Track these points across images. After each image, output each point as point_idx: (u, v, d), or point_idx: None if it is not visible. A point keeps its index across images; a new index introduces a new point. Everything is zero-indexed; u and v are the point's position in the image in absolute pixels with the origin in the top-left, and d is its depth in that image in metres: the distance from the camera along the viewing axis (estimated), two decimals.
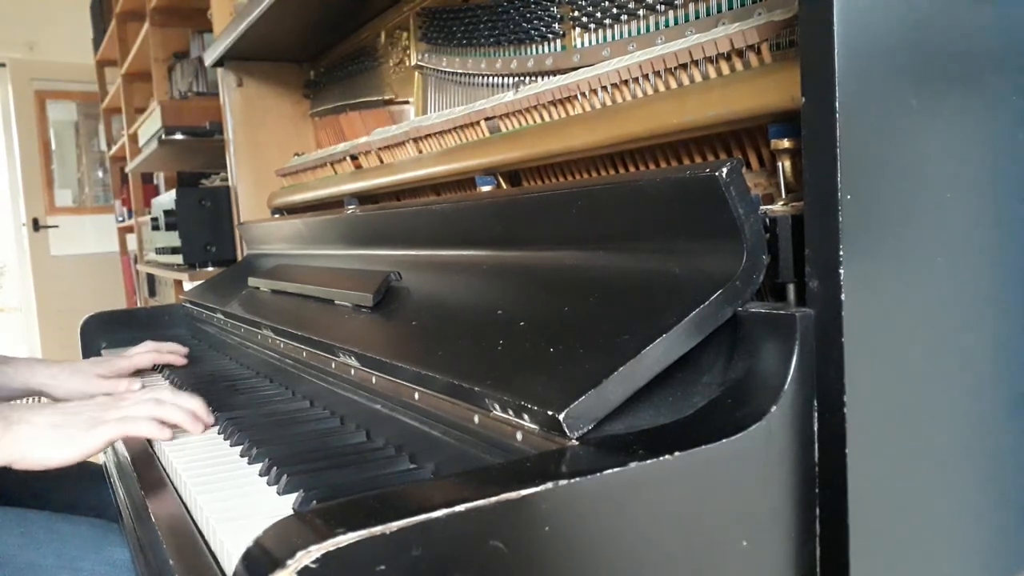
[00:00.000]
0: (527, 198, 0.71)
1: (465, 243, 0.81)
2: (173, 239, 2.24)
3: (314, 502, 0.59)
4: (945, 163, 0.49)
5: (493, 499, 0.37)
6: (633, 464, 0.40)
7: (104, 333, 1.56)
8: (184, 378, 1.12)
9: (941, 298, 0.49)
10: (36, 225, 4.92)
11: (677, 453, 0.41)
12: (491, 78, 1.08)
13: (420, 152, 1.08)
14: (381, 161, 1.19)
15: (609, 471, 0.40)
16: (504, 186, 0.92)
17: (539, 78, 0.93)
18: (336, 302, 0.93)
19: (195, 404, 0.86)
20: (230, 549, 0.54)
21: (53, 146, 5.07)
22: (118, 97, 3.81)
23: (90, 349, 1.53)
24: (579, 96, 0.77)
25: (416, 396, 0.64)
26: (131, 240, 4.36)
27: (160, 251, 2.58)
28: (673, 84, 0.67)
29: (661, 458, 0.41)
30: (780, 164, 0.56)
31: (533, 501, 0.38)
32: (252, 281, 1.28)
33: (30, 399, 1.18)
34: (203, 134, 2.48)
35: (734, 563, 0.44)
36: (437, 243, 0.87)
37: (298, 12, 1.37)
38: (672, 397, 0.50)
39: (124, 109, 3.72)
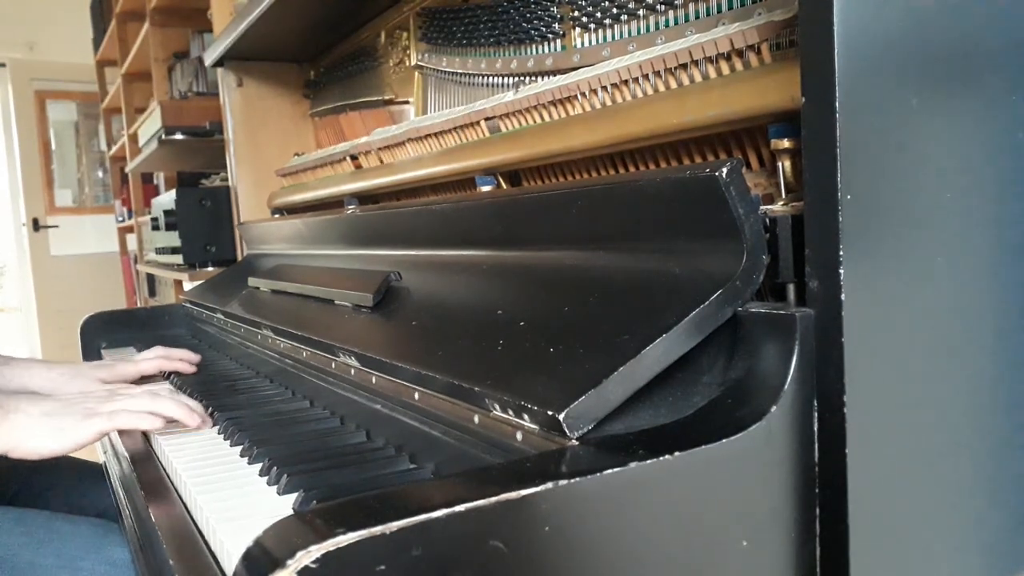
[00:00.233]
0: (527, 198, 0.71)
1: (465, 243, 0.81)
2: (173, 239, 2.24)
3: (314, 502, 0.59)
4: (945, 163, 0.49)
5: (493, 499, 0.37)
6: (633, 464, 0.40)
7: (104, 333, 1.56)
8: (185, 378, 1.12)
9: (941, 298, 0.49)
10: (36, 225, 4.92)
11: (677, 453, 0.41)
12: (491, 78, 1.08)
13: (420, 152, 1.08)
14: (381, 161, 1.19)
15: (609, 471, 0.40)
16: (504, 186, 0.92)
17: (539, 78, 0.93)
18: (336, 302, 0.93)
19: (193, 402, 0.86)
20: (230, 549, 0.54)
21: (53, 146, 5.07)
22: (118, 97, 3.81)
23: (90, 349, 1.53)
24: (579, 96, 0.77)
25: (416, 396, 0.64)
26: (131, 240, 4.36)
27: (160, 251, 2.58)
28: (673, 84, 0.67)
29: (661, 458, 0.41)
30: (780, 164, 0.56)
31: (533, 501, 0.38)
32: (252, 281, 1.28)
33: None
34: (203, 134, 2.48)
35: (734, 563, 0.44)
36: (437, 243, 0.87)
37: (298, 12, 1.37)
38: (672, 397, 0.50)
39: (124, 109, 3.72)
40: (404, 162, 1.11)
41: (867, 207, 0.45)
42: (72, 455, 1.12)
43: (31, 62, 4.84)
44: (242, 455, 0.75)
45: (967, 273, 0.50)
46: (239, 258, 1.76)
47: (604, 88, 0.74)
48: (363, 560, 0.34)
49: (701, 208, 0.51)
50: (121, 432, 0.91)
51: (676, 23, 0.76)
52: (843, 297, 0.44)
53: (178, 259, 2.19)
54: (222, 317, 1.27)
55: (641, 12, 0.79)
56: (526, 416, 0.49)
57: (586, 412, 0.45)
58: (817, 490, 0.47)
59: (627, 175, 0.71)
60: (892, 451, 0.47)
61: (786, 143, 0.55)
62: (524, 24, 0.98)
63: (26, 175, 4.91)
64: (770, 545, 0.45)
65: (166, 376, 1.20)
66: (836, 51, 0.43)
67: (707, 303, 0.48)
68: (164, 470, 0.78)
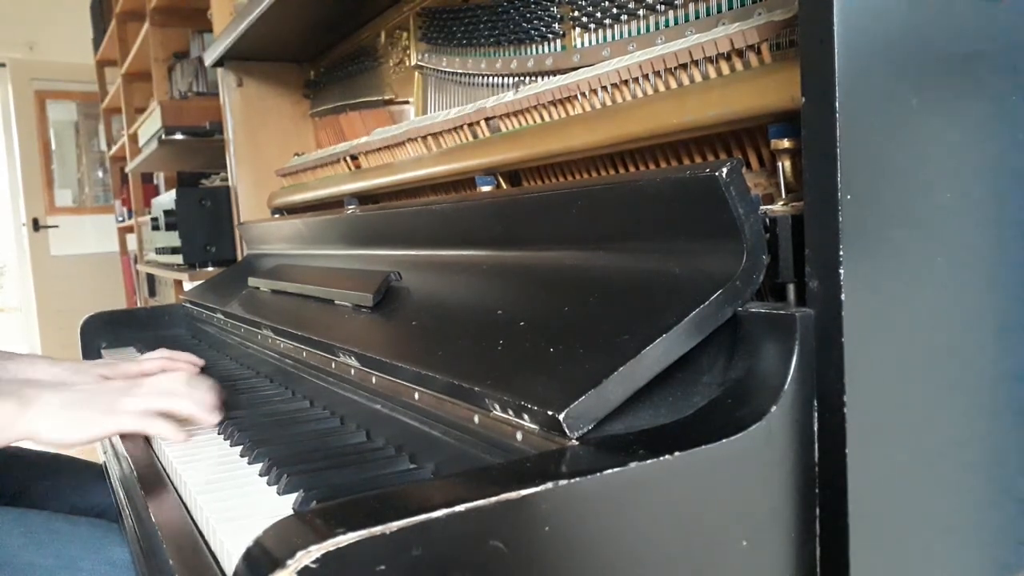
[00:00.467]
0: (527, 198, 0.71)
1: (465, 243, 0.81)
2: (173, 239, 2.24)
3: (314, 502, 0.59)
4: (945, 163, 0.49)
5: (493, 499, 0.37)
6: (633, 464, 0.40)
7: (104, 333, 1.56)
8: None
9: (941, 298, 0.49)
10: (36, 225, 4.92)
11: (677, 453, 0.41)
12: (491, 78, 1.08)
13: (420, 152, 1.08)
14: (381, 161, 1.19)
15: (609, 471, 0.40)
16: (504, 186, 0.92)
17: (539, 78, 0.93)
18: (336, 302, 0.93)
19: (210, 396, 0.86)
20: (230, 549, 0.54)
21: (53, 146, 5.07)
22: (118, 97, 3.81)
23: (90, 349, 1.53)
24: (579, 96, 0.77)
25: (416, 396, 0.64)
26: (131, 240, 4.36)
27: (160, 251, 2.58)
28: (673, 84, 0.67)
29: (661, 458, 0.41)
30: (780, 164, 0.56)
31: (533, 501, 0.38)
32: (252, 281, 1.28)
33: None
34: (203, 134, 2.48)
35: (734, 563, 0.44)
36: (437, 243, 0.87)
37: (298, 12, 1.37)
38: (672, 397, 0.50)
39: (124, 109, 3.72)
40: (404, 162, 1.11)
41: (867, 207, 0.45)
42: (72, 455, 1.13)
43: (31, 62, 4.84)
44: (242, 455, 0.75)
45: (967, 273, 0.50)
46: (239, 258, 1.76)
47: (604, 88, 0.74)
48: (363, 560, 0.34)
49: (701, 208, 0.51)
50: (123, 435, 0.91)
51: (676, 23, 0.76)
52: (843, 297, 0.44)
53: (178, 259, 2.19)
54: (222, 317, 1.27)
55: (641, 12, 0.79)
56: (526, 416, 0.49)
57: (586, 412, 0.45)
58: (817, 490, 0.47)
59: (627, 175, 0.71)
60: (892, 451, 0.47)
61: (786, 143, 0.55)
62: (524, 24, 0.98)
63: (26, 175, 4.91)
64: (770, 545, 0.45)
65: None
66: (836, 51, 0.43)
67: (707, 303, 0.48)
68: (164, 470, 0.78)
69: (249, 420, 0.85)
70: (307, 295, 1.04)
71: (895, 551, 0.48)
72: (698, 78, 0.64)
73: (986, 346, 0.52)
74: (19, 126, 4.88)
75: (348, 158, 1.28)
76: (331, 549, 0.33)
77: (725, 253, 0.50)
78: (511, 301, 0.65)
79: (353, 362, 0.76)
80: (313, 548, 0.33)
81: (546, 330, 0.56)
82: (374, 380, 0.72)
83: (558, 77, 0.81)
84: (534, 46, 0.97)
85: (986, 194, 0.51)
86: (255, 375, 1.12)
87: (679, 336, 0.48)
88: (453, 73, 1.17)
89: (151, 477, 0.76)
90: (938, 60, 0.48)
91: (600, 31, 0.86)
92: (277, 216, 1.61)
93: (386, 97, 1.39)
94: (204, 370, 1.16)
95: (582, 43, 0.89)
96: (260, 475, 0.69)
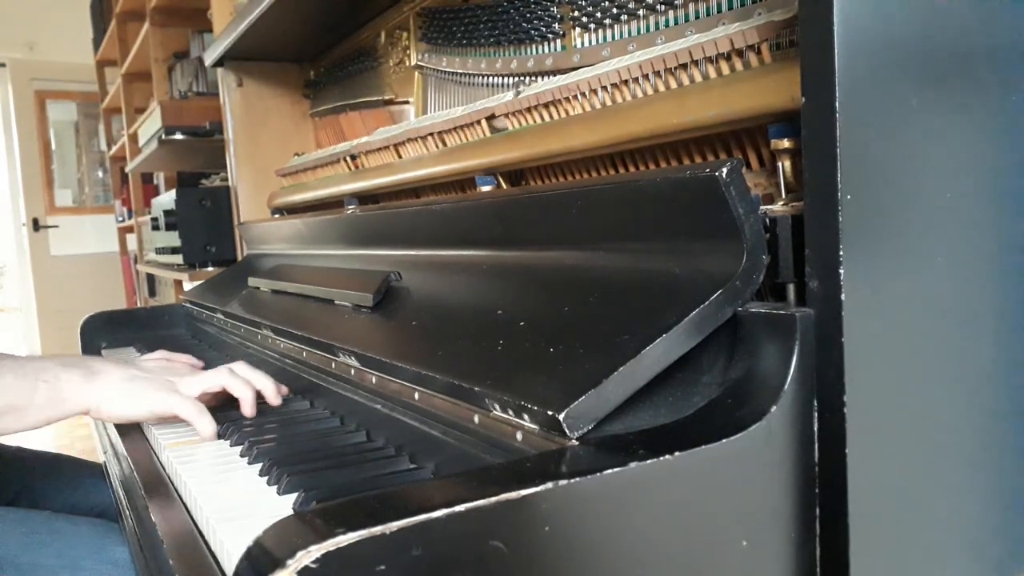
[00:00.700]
0: (527, 198, 0.71)
1: (465, 243, 0.81)
2: (173, 239, 2.24)
3: (314, 502, 0.60)
4: (945, 163, 0.49)
5: (493, 499, 0.37)
6: (633, 464, 0.40)
7: (104, 333, 1.56)
8: None
9: (941, 298, 0.49)
10: (36, 225, 4.92)
11: (677, 453, 0.41)
12: (491, 78, 1.08)
13: (420, 152, 1.08)
14: (381, 161, 1.19)
15: (609, 471, 0.40)
16: (504, 186, 0.92)
17: (539, 78, 0.93)
18: (336, 302, 0.93)
19: (265, 383, 0.88)
20: (230, 549, 0.54)
21: (53, 146, 5.08)
22: (118, 97, 3.81)
23: (90, 349, 1.53)
24: (579, 96, 0.77)
25: (416, 396, 0.64)
26: (131, 240, 4.36)
27: (160, 251, 2.58)
28: (673, 84, 0.67)
29: (661, 458, 0.41)
30: (780, 164, 0.56)
31: (533, 501, 0.38)
32: (252, 281, 1.28)
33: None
34: (203, 134, 2.48)
35: (734, 563, 0.44)
36: (437, 243, 0.87)
37: (298, 12, 1.37)
38: (672, 397, 0.50)
39: (124, 109, 3.72)
40: (404, 162, 1.11)
41: (867, 207, 0.45)
42: (73, 455, 1.13)
43: (31, 62, 4.85)
44: (242, 455, 0.75)
45: (967, 273, 0.50)
46: (239, 258, 1.76)
47: (604, 88, 0.74)
48: (363, 560, 0.34)
49: (701, 208, 0.51)
50: (121, 433, 0.91)
51: (676, 23, 0.76)
52: (843, 297, 0.44)
53: (178, 259, 2.19)
54: (222, 317, 1.28)
55: (641, 12, 0.79)
56: (526, 416, 0.49)
57: (586, 412, 0.45)
58: (817, 490, 0.47)
59: (627, 175, 0.71)
60: (892, 451, 0.47)
61: (786, 143, 0.55)
62: (524, 24, 0.98)
63: (26, 175, 4.92)
64: (770, 545, 0.45)
65: None
66: (836, 51, 0.43)
67: (707, 303, 0.48)
68: (164, 470, 0.78)
69: (249, 420, 0.85)
70: (307, 295, 1.04)
71: (895, 551, 0.48)
72: (698, 78, 0.64)
73: (986, 346, 0.52)
74: (19, 126, 4.88)
75: (348, 158, 1.28)
76: (331, 549, 0.33)
77: (725, 253, 0.50)
78: (511, 301, 0.65)
79: (353, 362, 0.76)
80: (313, 548, 0.33)
81: (546, 330, 0.56)
82: (374, 380, 0.72)
83: (558, 77, 0.81)
84: (534, 46, 0.97)
85: (986, 194, 0.51)
86: None
87: (679, 336, 0.48)
88: (453, 73, 1.17)
89: (151, 477, 0.76)
90: (938, 60, 0.48)
91: (600, 31, 0.86)
92: (277, 216, 1.61)
93: (386, 97, 1.39)
94: (204, 369, 1.16)
95: (582, 43, 0.89)
96: (260, 475, 0.69)
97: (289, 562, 0.32)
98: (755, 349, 0.48)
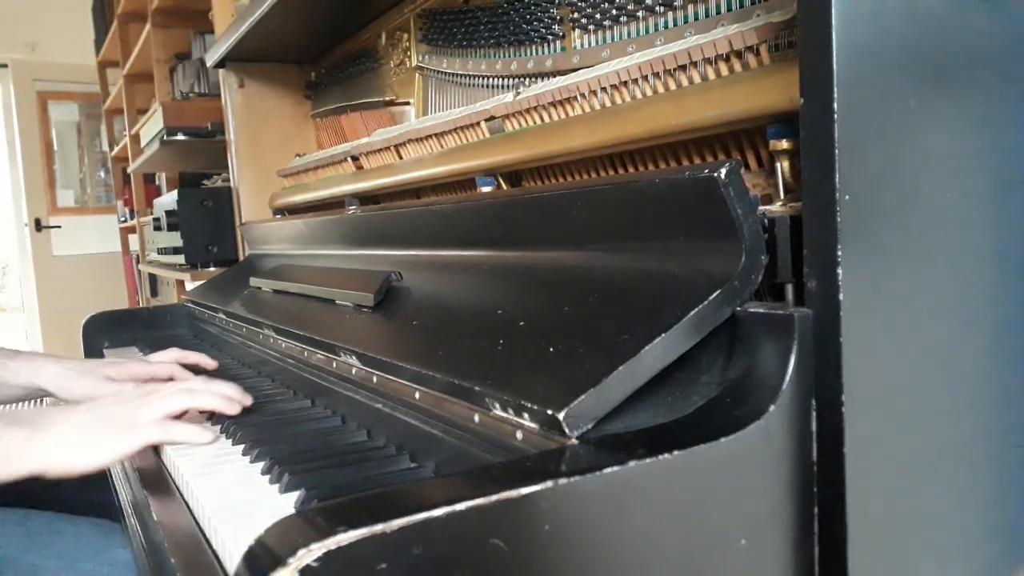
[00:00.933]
0: (527, 198, 0.71)
1: (465, 243, 0.81)
2: (175, 239, 2.24)
3: (315, 501, 0.60)
4: (944, 163, 0.49)
5: (493, 498, 0.37)
6: (633, 463, 0.40)
7: (106, 333, 1.56)
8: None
9: (940, 298, 0.49)
10: (38, 225, 4.92)
11: (676, 452, 0.42)
12: (491, 79, 1.08)
13: (420, 153, 1.08)
14: (382, 162, 1.19)
15: (609, 470, 0.40)
16: (504, 187, 0.92)
17: (539, 79, 0.94)
18: (337, 302, 0.93)
19: (229, 388, 0.83)
20: (232, 548, 0.54)
21: (55, 146, 5.08)
22: (120, 98, 3.81)
23: (92, 349, 1.53)
24: (579, 97, 0.77)
25: (417, 395, 0.64)
26: (133, 240, 4.36)
27: (162, 251, 2.58)
28: (672, 85, 0.68)
29: (660, 457, 0.41)
30: (778, 165, 0.56)
31: (533, 500, 0.38)
32: (254, 281, 1.28)
33: (33, 402, 1.17)
34: (205, 135, 2.48)
35: (733, 562, 0.44)
36: (438, 243, 0.87)
37: (299, 14, 1.38)
38: (671, 396, 0.51)
39: (126, 110, 3.72)
40: (405, 163, 1.11)
41: (865, 208, 0.45)
42: None
43: (33, 63, 4.85)
44: (244, 454, 0.75)
45: (966, 273, 0.51)
46: (241, 258, 1.76)
47: (604, 89, 0.74)
48: (364, 558, 0.34)
49: (700, 209, 0.51)
50: None
51: (675, 24, 0.76)
52: (841, 297, 0.45)
53: (180, 259, 2.19)
54: (224, 317, 1.28)
55: (640, 14, 0.80)
56: (526, 415, 0.49)
57: (586, 411, 0.46)
58: (816, 489, 0.47)
59: (626, 176, 0.72)
60: (890, 450, 0.48)
61: (785, 144, 0.55)
62: (524, 26, 0.98)
63: (28, 175, 4.92)
64: (769, 544, 0.46)
65: None
66: (834, 52, 0.44)
67: (706, 303, 0.48)
68: (166, 469, 0.78)
69: (251, 419, 0.86)
70: (308, 295, 1.04)
71: (894, 550, 0.48)
72: (697, 79, 0.65)
73: (983, 345, 0.52)
74: (21, 127, 4.88)
75: (349, 159, 1.28)
76: (332, 547, 0.33)
77: (724, 253, 0.50)
78: (511, 301, 0.65)
79: (354, 361, 0.76)
80: (315, 546, 0.33)
81: (546, 330, 0.56)
82: (375, 379, 0.72)
83: (558, 78, 0.81)
84: (534, 47, 0.98)
85: (985, 194, 0.51)
86: (256, 375, 1.12)
87: (678, 336, 0.48)
88: (453, 74, 1.17)
89: (153, 477, 0.77)
90: (937, 61, 0.48)
91: (600, 33, 0.86)
92: (278, 216, 1.62)
93: (387, 98, 1.39)
94: (206, 370, 1.16)
95: (582, 44, 0.89)
96: (262, 474, 0.69)
97: (291, 560, 0.33)
98: (754, 349, 0.48)
